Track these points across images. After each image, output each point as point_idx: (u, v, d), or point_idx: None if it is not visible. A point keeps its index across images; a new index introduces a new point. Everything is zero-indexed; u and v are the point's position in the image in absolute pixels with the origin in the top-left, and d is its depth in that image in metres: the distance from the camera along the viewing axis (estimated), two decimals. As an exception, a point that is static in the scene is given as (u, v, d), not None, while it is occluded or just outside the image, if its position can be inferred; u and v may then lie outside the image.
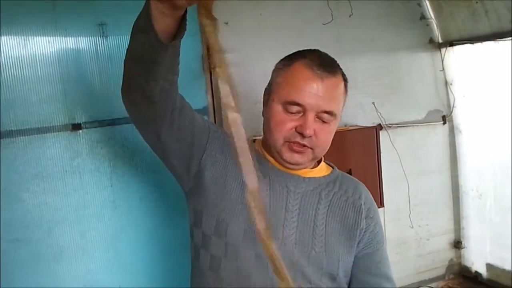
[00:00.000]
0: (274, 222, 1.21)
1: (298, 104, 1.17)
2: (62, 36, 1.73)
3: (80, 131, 1.77)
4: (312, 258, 1.22)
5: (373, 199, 1.37)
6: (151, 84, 1.04)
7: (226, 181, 1.23)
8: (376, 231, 1.33)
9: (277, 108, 1.20)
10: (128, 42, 1.03)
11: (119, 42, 1.81)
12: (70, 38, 1.75)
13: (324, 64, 1.20)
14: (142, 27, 0.94)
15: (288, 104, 1.18)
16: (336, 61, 1.25)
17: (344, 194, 1.30)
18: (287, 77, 1.22)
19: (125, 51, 1.05)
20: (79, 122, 1.77)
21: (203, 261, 1.26)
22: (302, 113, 1.18)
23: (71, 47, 1.75)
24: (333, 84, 1.20)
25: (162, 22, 0.92)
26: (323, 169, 1.34)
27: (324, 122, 1.20)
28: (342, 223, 1.27)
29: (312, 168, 1.32)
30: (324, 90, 1.17)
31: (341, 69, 1.25)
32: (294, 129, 1.18)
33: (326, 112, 1.18)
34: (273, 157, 1.27)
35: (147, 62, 1.00)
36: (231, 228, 1.21)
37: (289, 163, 1.22)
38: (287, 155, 1.21)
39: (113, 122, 1.82)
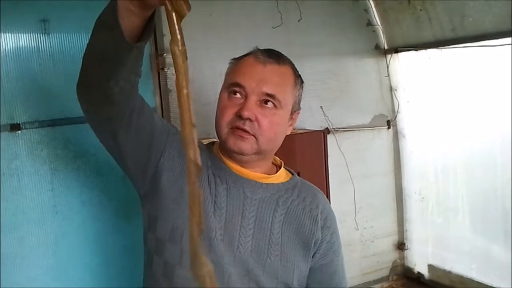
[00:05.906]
0: (230, 228, 1.20)
1: (239, 85, 1.18)
2: (0, 32, 1.64)
3: (19, 131, 1.69)
4: (267, 267, 1.21)
5: (331, 208, 1.37)
6: (111, 83, 0.98)
7: (183, 186, 1.19)
8: (333, 240, 1.33)
9: (223, 95, 1.22)
10: (89, 37, 0.97)
11: (62, 40, 1.74)
12: (9, 34, 1.66)
13: (270, 54, 1.22)
14: (107, 24, 0.88)
15: (230, 86, 1.20)
16: (286, 57, 1.26)
17: (301, 202, 1.29)
18: (234, 68, 1.25)
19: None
20: (18, 122, 1.68)
21: (157, 267, 1.22)
22: (244, 98, 1.18)
23: (10, 43, 1.67)
24: (276, 70, 1.21)
25: (128, 21, 0.86)
26: (282, 176, 1.33)
27: (267, 108, 1.19)
28: (297, 232, 1.26)
29: (271, 174, 1.30)
30: (266, 73, 1.19)
31: (291, 63, 1.27)
32: (235, 114, 1.18)
33: (268, 95, 1.18)
34: (226, 155, 1.26)
35: (109, 61, 0.94)
36: (186, 235, 1.18)
37: (233, 151, 1.20)
38: (231, 142, 1.19)
39: (54, 123, 1.74)
